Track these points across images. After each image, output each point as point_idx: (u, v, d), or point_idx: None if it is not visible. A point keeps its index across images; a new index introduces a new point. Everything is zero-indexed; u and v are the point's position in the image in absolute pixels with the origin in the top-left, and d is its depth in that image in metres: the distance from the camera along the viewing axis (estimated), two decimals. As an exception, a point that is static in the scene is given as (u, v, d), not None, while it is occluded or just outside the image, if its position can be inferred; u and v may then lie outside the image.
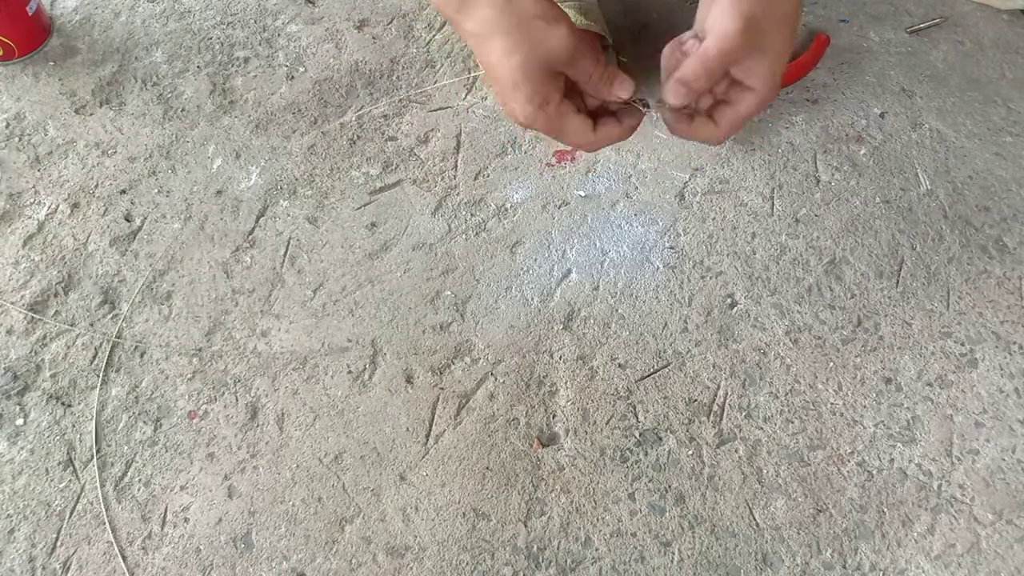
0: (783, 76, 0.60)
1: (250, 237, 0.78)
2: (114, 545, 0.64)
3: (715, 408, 0.70)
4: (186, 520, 0.65)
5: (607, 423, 0.70)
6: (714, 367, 0.72)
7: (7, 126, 0.85)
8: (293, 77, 0.89)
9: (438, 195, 0.81)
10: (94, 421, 0.69)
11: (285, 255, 0.78)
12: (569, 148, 0.84)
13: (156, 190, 0.81)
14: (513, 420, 0.70)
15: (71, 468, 0.67)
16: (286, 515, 0.66)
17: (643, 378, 0.72)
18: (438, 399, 0.71)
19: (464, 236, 0.79)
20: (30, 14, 0.87)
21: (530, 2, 0.55)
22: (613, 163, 0.83)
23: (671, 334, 0.74)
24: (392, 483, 0.67)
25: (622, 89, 0.58)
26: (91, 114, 0.86)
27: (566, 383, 0.71)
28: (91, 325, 0.73)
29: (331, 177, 0.82)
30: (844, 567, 0.64)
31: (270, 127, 0.85)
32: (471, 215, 0.80)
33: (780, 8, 0.54)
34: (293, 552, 0.64)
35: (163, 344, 0.73)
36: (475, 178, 0.82)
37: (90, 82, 0.88)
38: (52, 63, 0.89)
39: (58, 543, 0.64)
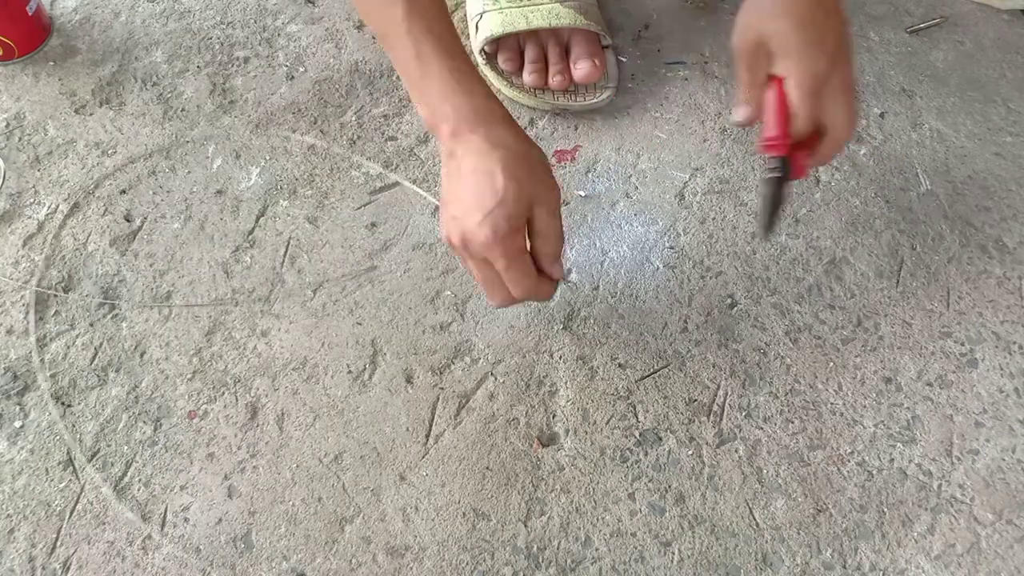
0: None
1: (250, 237, 0.78)
2: (114, 545, 0.64)
3: (715, 408, 0.70)
4: (186, 520, 0.65)
5: (607, 423, 0.70)
6: (714, 367, 0.72)
7: (7, 126, 0.85)
8: (293, 77, 0.89)
9: (438, 195, 0.81)
10: (94, 421, 0.69)
11: (285, 255, 0.78)
12: (570, 149, 0.84)
13: (156, 190, 0.81)
14: (513, 420, 0.70)
15: (71, 468, 0.67)
16: (286, 515, 0.66)
17: (643, 378, 0.72)
18: (438, 399, 0.71)
19: (464, 236, 0.79)
20: (30, 14, 0.86)
21: (540, 153, 0.60)
22: (613, 163, 0.83)
23: (671, 334, 0.74)
24: (392, 483, 0.67)
25: (558, 272, 0.63)
26: (91, 114, 0.86)
27: (566, 383, 0.71)
28: (91, 325, 0.73)
29: (331, 177, 0.82)
30: (844, 567, 0.64)
31: (270, 127, 0.85)
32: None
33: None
34: (293, 552, 0.64)
35: (163, 344, 0.73)
36: (475, 178, 0.82)
37: (90, 82, 0.88)
38: (52, 63, 0.89)
39: (58, 543, 0.64)
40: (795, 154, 0.62)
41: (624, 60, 0.89)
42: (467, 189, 0.57)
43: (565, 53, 0.84)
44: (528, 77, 0.83)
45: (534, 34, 0.83)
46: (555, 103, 0.84)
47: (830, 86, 0.59)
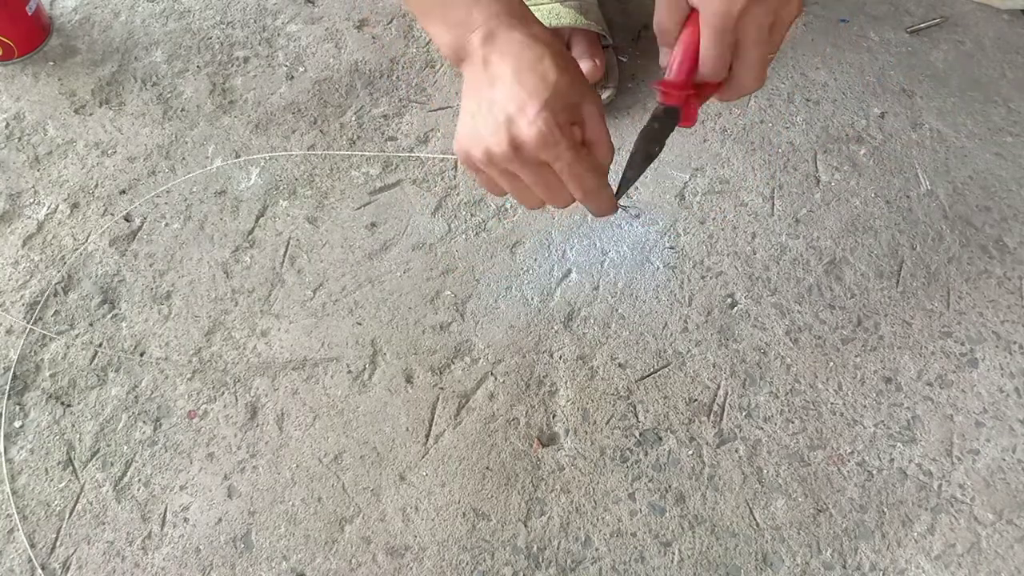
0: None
1: (250, 237, 0.78)
2: (114, 545, 0.64)
3: (715, 408, 0.70)
4: (186, 520, 0.65)
5: (607, 423, 0.70)
6: (714, 367, 0.72)
7: (7, 126, 0.85)
8: (293, 77, 0.89)
9: (438, 195, 0.81)
10: (94, 421, 0.69)
11: (285, 255, 0.78)
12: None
13: (156, 190, 0.81)
14: (513, 420, 0.70)
15: (71, 468, 0.67)
16: (286, 515, 0.66)
17: (643, 378, 0.72)
18: (438, 399, 0.71)
19: (464, 236, 0.79)
20: (30, 14, 0.86)
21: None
22: (613, 163, 0.83)
23: (671, 334, 0.74)
24: (392, 483, 0.67)
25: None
26: (91, 114, 0.86)
27: (566, 383, 0.71)
28: (91, 325, 0.73)
29: (331, 177, 0.82)
30: (844, 567, 0.64)
31: (270, 127, 0.85)
32: (471, 215, 0.80)
33: None
34: (293, 552, 0.64)
35: (163, 344, 0.73)
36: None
37: (90, 82, 0.88)
38: (52, 63, 0.89)
39: (58, 543, 0.64)
40: (690, 99, 0.54)
41: (624, 60, 0.89)
42: (514, 86, 0.50)
43: None
44: None
45: None
46: None
47: (748, 26, 0.51)
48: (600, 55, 0.83)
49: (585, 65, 0.81)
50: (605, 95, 0.84)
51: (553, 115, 0.50)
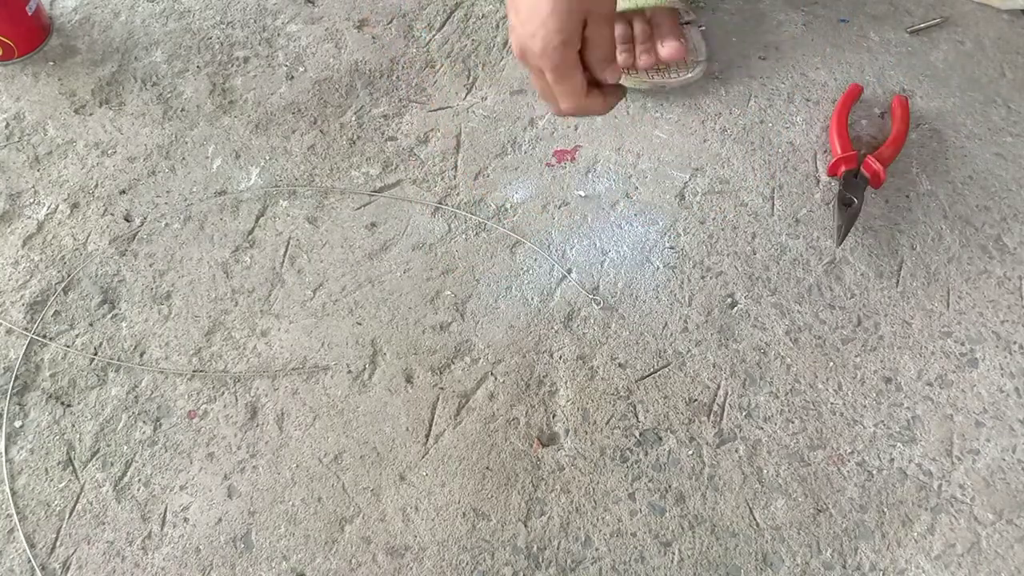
0: (887, 160, 0.79)
1: (250, 237, 0.78)
2: (114, 545, 0.64)
3: (715, 408, 0.70)
4: (186, 520, 0.65)
5: (607, 423, 0.70)
6: (714, 367, 0.72)
7: (7, 126, 0.85)
8: (293, 77, 0.89)
9: (438, 195, 0.81)
10: (94, 421, 0.69)
11: (285, 255, 0.78)
12: (569, 149, 0.84)
13: (156, 190, 0.81)
14: (513, 420, 0.70)
15: (71, 468, 0.67)
16: (286, 515, 0.66)
17: (643, 378, 0.72)
18: (438, 399, 0.71)
19: (464, 236, 0.79)
20: (30, 14, 0.86)
21: None
22: (613, 163, 0.83)
23: (671, 334, 0.74)
24: (392, 483, 0.67)
25: (613, 76, 0.62)
26: (91, 114, 0.86)
27: (566, 383, 0.71)
28: (91, 325, 0.73)
29: (331, 177, 0.82)
30: (844, 567, 0.64)
31: (270, 127, 0.85)
32: (471, 215, 0.80)
33: None
34: (293, 552, 0.64)
35: (163, 344, 0.73)
36: (475, 178, 0.82)
37: (90, 82, 0.88)
38: (52, 63, 0.89)
39: (58, 543, 0.64)
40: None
41: (703, 27, 0.89)
42: (526, 8, 0.58)
43: (651, 32, 0.84)
44: (618, 58, 0.84)
45: (621, 15, 0.84)
46: (652, 81, 0.85)
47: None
48: (682, 32, 0.84)
49: (670, 44, 0.81)
50: (696, 71, 0.85)
51: (545, 37, 0.57)
